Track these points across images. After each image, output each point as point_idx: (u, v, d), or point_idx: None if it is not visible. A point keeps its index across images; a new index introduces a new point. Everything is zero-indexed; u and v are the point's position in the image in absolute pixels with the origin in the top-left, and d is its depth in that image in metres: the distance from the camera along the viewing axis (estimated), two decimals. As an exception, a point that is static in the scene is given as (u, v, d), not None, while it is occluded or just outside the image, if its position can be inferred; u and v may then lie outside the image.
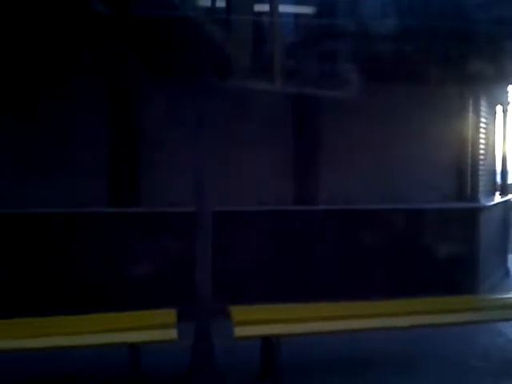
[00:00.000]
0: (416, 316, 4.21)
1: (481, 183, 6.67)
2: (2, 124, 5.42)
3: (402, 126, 6.01)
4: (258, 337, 3.95)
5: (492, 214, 6.90)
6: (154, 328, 3.75)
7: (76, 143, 5.42)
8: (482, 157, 6.76)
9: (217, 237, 3.90)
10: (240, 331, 3.78)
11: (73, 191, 5.31)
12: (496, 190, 8.01)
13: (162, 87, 5.53)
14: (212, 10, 3.79)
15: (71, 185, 5.30)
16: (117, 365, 3.89)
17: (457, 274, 5.89)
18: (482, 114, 6.73)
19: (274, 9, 3.97)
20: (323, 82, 5.30)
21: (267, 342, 3.96)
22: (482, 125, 6.72)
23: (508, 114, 7.82)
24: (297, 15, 4.52)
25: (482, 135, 6.73)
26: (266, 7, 4.01)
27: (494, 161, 7.79)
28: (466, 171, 6.45)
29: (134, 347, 3.69)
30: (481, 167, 6.68)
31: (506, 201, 7.76)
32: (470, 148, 6.44)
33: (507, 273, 7.61)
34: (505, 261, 7.73)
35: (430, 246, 5.77)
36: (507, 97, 7.82)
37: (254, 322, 3.92)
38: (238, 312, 3.96)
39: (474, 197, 6.45)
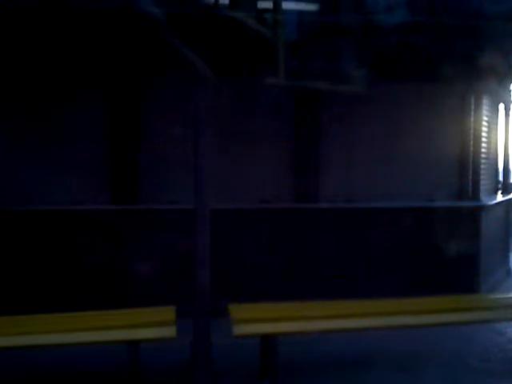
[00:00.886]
0: (417, 315, 4.19)
1: (482, 182, 6.64)
2: (2, 122, 5.41)
3: (404, 124, 5.99)
4: (257, 335, 3.93)
5: (494, 212, 6.88)
6: (152, 325, 3.73)
7: (76, 141, 5.42)
8: (483, 155, 6.74)
9: (217, 235, 3.88)
10: (239, 329, 3.76)
11: (72, 188, 5.31)
12: (498, 189, 7.98)
13: (161, 84, 5.53)
14: (215, 5, 3.76)
15: (71, 182, 5.29)
16: (115, 362, 3.88)
17: (458, 273, 5.87)
18: (484, 112, 6.70)
19: (277, 5, 3.95)
20: (325, 79, 5.28)
21: (266, 340, 3.94)
22: (484, 123, 6.69)
23: (510, 112, 7.79)
24: (300, 12, 4.50)
25: (483, 134, 6.71)
26: (269, 4, 3.99)
27: (496, 159, 7.75)
28: (467, 170, 6.42)
29: (132, 344, 3.68)
30: (483, 166, 6.66)
31: (507, 200, 7.73)
32: (471, 146, 6.41)
33: (509, 272, 7.59)
34: (506, 260, 7.70)
35: (431, 244, 5.75)
36: (509, 95, 7.79)
37: (254, 320, 3.90)
38: (237, 310, 3.94)
39: (476, 196, 6.42)
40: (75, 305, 4.04)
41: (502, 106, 7.69)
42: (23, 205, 5.26)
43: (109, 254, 5.25)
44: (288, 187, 5.76)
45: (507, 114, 7.76)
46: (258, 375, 4.02)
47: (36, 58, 5.15)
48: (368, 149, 5.90)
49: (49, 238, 5.26)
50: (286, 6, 3.94)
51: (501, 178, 8.12)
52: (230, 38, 4.22)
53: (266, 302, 4.18)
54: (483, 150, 6.70)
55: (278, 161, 5.77)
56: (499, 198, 7.54)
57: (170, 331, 3.66)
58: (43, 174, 5.32)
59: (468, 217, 6.16)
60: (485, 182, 6.86)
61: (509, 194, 7.96)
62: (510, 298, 5.28)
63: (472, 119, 6.40)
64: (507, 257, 7.74)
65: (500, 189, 8.04)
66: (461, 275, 5.86)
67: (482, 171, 6.63)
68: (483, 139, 6.68)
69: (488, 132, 7.00)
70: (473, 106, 6.39)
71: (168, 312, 3.84)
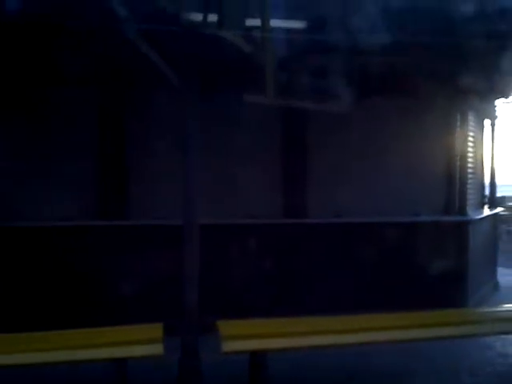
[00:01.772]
0: (405, 330, 4.19)
1: (469, 196, 6.71)
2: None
3: (391, 140, 6.04)
4: (245, 351, 3.91)
5: (481, 227, 6.93)
6: (140, 343, 3.70)
7: (63, 156, 5.40)
8: (470, 170, 6.81)
9: (205, 250, 3.87)
10: (227, 346, 3.74)
11: (60, 204, 5.27)
12: (484, 204, 8.06)
13: (149, 100, 5.54)
14: (203, 23, 3.80)
15: (58, 198, 5.26)
16: (103, 380, 3.83)
17: (446, 288, 5.88)
18: (470, 128, 6.79)
19: (265, 23, 4.00)
20: (313, 96, 5.33)
21: (255, 356, 3.92)
22: (470, 138, 6.78)
23: (496, 127, 7.91)
24: (288, 30, 4.56)
25: (470, 149, 6.79)
26: (257, 22, 4.04)
27: (483, 174, 7.84)
28: (454, 185, 6.48)
29: (120, 362, 3.64)
30: (469, 180, 6.73)
31: (494, 214, 7.81)
32: (458, 162, 6.48)
33: (496, 286, 7.63)
34: (494, 274, 7.75)
35: (418, 259, 5.77)
36: (495, 111, 7.91)
37: (242, 337, 3.88)
38: (225, 326, 3.91)
39: (463, 210, 6.48)
40: (62, 323, 3.99)
41: (487, 122, 7.81)
42: (9, 221, 5.20)
43: (96, 270, 5.20)
44: (276, 202, 5.77)
45: (493, 130, 7.87)
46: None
47: (25, 74, 5.14)
48: (355, 164, 5.94)
49: (36, 254, 5.20)
50: (273, 23, 3.99)
51: (487, 192, 8.20)
52: (218, 56, 4.25)
53: (255, 318, 4.16)
54: (469, 164, 6.78)
55: (266, 176, 5.79)
56: (486, 212, 7.61)
57: (157, 348, 3.62)
58: (31, 190, 5.28)
59: (455, 231, 6.20)
60: (471, 197, 6.93)
61: (495, 208, 8.04)
62: (498, 311, 5.30)
63: (458, 135, 6.48)
64: (494, 271, 7.79)
65: (486, 203, 8.12)
66: (448, 289, 5.87)
67: (469, 186, 6.70)
68: (469, 154, 6.77)
69: (474, 147, 7.09)
70: (458, 122, 6.48)
71: (155, 329, 3.81)
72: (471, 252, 6.25)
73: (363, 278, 5.66)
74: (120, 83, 5.44)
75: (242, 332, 3.93)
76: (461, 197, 6.49)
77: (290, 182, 5.84)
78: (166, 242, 4.74)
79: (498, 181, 8.25)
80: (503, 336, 5.11)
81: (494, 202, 8.22)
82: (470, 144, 6.83)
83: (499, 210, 8.22)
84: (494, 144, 7.90)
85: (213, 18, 3.73)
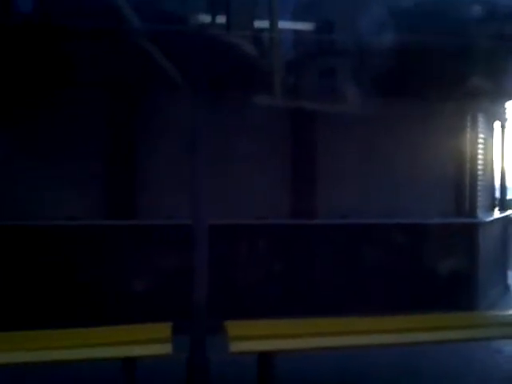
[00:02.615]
0: (414, 333, 4.16)
1: (479, 199, 6.67)
2: None
3: (401, 142, 6.03)
4: (253, 352, 3.91)
5: (491, 229, 6.88)
6: (149, 342, 3.71)
7: (73, 156, 5.44)
8: (480, 172, 6.77)
9: (214, 250, 3.89)
10: (235, 346, 3.74)
11: (69, 204, 5.32)
12: (495, 206, 8.00)
13: (158, 101, 5.58)
14: (211, 24, 3.82)
15: (68, 198, 5.30)
16: (111, 379, 3.85)
17: (456, 291, 5.86)
18: (480, 130, 6.75)
19: (273, 25, 4.01)
20: (322, 97, 5.33)
21: (263, 357, 3.92)
22: (480, 140, 6.74)
23: (506, 129, 7.85)
24: (296, 31, 4.57)
25: (480, 151, 6.75)
26: (265, 23, 4.06)
27: (493, 176, 7.79)
28: (464, 187, 6.45)
29: (128, 361, 3.66)
30: (479, 183, 6.69)
31: (504, 216, 7.75)
32: (468, 164, 6.45)
33: (507, 289, 7.57)
34: (504, 277, 7.68)
35: (428, 261, 5.75)
36: (505, 113, 7.85)
37: (250, 338, 3.88)
38: (233, 327, 3.92)
39: (473, 212, 6.44)
40: (71, 321, 4.03)
41: (497, 124, 7.76)
42: (19, 220, 5.25)
43: (105, 270, 5.24)
44: (285, 203, 5.78)
45: (503, 132, 7.82)
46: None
47: (34, 75, 5.20)
48: (364, 166, 5.93)
49: (45, 253, 5.24)
50: (281, 25, 4.00)
51: (497, 194, 8.14)
52: (226, 57, 4.27)
53: (263, 319, 4.16)
54: (480, 166, 6.74)
55: (274, 177, 5.80)
56: (496, 214, 7.55)
57: (165, 348, 3.63)
58: (40, 190, 5.33)
59: (465, 233, 6.16)
60: (482, 199, 6.88)
61: (506, 210, 7.98)
62: (508, 315, 5.26)
63: (468, 137, 6.46)
64: (505, 273, 7.73)
65: (497, 205, 8.06)
66: (458, 292, 5.84)
67: (479, 188, 6.66)
68: (479, 156, 6.72)
69: (484, 149, 7.05)
70: (469, 124, 6.45)
71: (164, 328, 3.82)
72: (481, 255, 6.21)
73: (372, 280, 5.65)
74: (129, 85, 5.49)
75: (250, 333, 3.93)
76: (471, 199, 6.46)
77: (299, 182, 5.84)
78: (174, 242, 4.77)
79: (508, 183, 8.19)
80: (513, 340, 5.06)
81: (504, 204, 8.15)
82: (480, 146, 6.79)
83: (509, 212, 8.15)
84: (504, 146, 7.85)
85: (221, 19, 3.75)
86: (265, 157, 5.71)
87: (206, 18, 3.72)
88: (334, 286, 5.57)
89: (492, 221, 6.97)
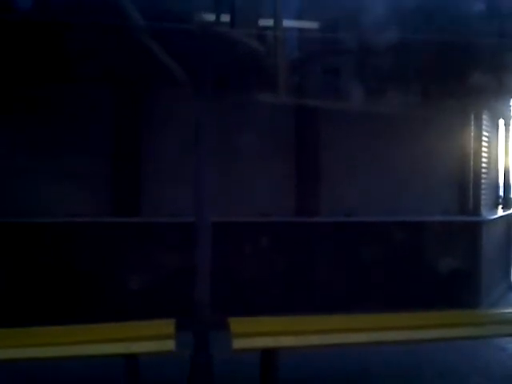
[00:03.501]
0: (417, 330, 4.16)
1: (483, 197, 6.66)
2: (5, 133, 5.46)
3: (405, 140, 6.03)
4: (256, 349, 3.92)
5: (494, 227, 6.88)
6: (152, 338, 3.73)
7: (78, 154, 5.46)
8: (484, 170, 6.76)
9: (217, 248, 3.90)
10: (238, 343, 3.75)
11: (75, 201, 5.34)
12: (498, 204, 7.99)
13: (164, 99, 5.59)
14: (216, 22, 3.83)
15: (73, 195, 5.32)
16: (114, 376, 3.87)
17: (459, 288, 5.85)
18: (484, 127, 6.74)
19: (278, 23, 4.01)
20: (325, 95, 5.33)
21: (267, 354, 3.93)
22: (484, 139, 6.72)
23: (510, 127, 7.83)
24: (300, 30, 4.58)
25: (484, 149, 6.74)
26: (270, 22, 4.06)
27: (497, 174, 7.78)
28: (468, 185, 6.44)
29: (131, 358, 3.68)
30: (483, 181, 6.68)
31: (508, 215, 7.74)
32: (472, 162, 6.44)
33: (510, 287, 7.56)
34: (507, 275, 7.68)
35: (431, 259, 5.74)
36: (509, 111, 7.84)
37: (253, 334, 3.89)
38: (236, 324, 3.93)
39: (477, 210, 6.43)
40: (74, 317, 4.04)
41: (501, 122, 7.74)
42: (25, 217, 5.28)
43: (109, 266, 5.26)
44: (288, 201, 5.79)
45: (507, 129, 7.80)
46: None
47: (40, 72, 5.22)
48: (368, 164, 5.93)
49: (49, 250, 5.27)
50: (286, 23, 4.01)
51: (501, 192, 8.13)
52: (230, 55, 4.28)
53: (266, 316, 4.17)
54: (483, 164, 6.73)
55: (278, 174, 5.81)
56: (500, 212, 7.54)
57: (169, 344, 3.65)
58: (45, 186, 5.36)
59: (469, 231, 6.16)
60: (485, 197, 6.87)
61: (509, 208, 7.96)
62: (510, 313, 5.25)
63: (472, 134, 6.44)
64: (508, 271, 7.73)
65: (501, 203, 8.05)
66: (461, 290, 5.84)
67: (483, 186, 6.65)
68: (483, 154, 6.71)
69: (488, 147, 7.03)
70: (473, 122, 6.44)
71: (168, 325, 3.83)
72: (485, 253, 6.21)
73: (375, 278, 5.65)
74: (134, 82, 5.50)
75: (253, 329, 3.93)
76: (475, 197, 6.45)
77: (303, 180, 5.85)
78: (179, 239, 4.78)
79: (512, 181, 8.17)
80: (516, 338, 5.06)
81: (507, 202, 8.14)
82: (484, 144, 6.78)
83: (513, 210, 8.14)
84: (509, 144, 7.83)
85: (225, 18, 3.76)
86: (269, 154, 5.71)
87: (210, 16, 3.72)
88: (338, 283, 5.58)
89: (496, 219, 6.96)
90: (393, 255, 5.69)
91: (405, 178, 6.03)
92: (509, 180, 8.05)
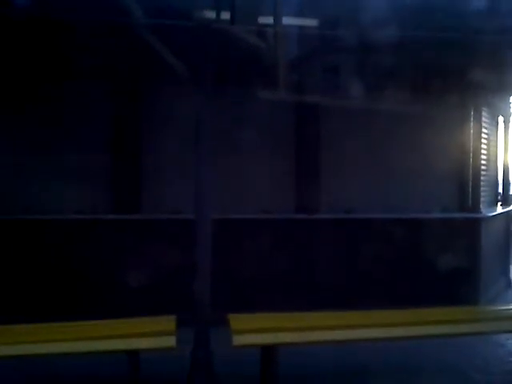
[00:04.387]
0: (416, 327, 4.18)
1: (482, 194, 6.67)
2: (4, 130, 5.46)
3: (404, 136, 6.03)
4: (256, 345, 3.93)
5: (494, 224, 6.89)
6: (152, 335, 3.74)
7: (78, 150, 5.46)
8: (483, 167, 6.77)
9: (217, 245, 3.91)
10: (238, 340, 3.76)
11: (74, 198, 5.34)
12: (498, 201, 8.00)
13: (164, 95, 5.59)
14: (216, 19, 3.82)
15: (73, 192, 5.33)
16: (115, 372, 3.88)
17: (458, 285, 5.86)
18: (484, 124, 6.75)
19: (278, 20, 4.02)
20: (325, 92, 5.33)
21: (266, 350, 3.95)
22: (483, 135, 6.73)
23: (510, 124, 7.84)
24: (300, 27, 4.58)
25: (483, 146, 6.75)
26: (270, 19, 4.07)
27: (496, 171, 7.79)
28: (467, 182, 6.45)
29: (132, 354, 3.69)
30: (482, 178, 6.69)
31: (507, 211, 7.75)
32: (471, 159, 6.45)
33: (509, 284, 7.58)
34: (506, 272, 7.70)
35: (431, 256, 5.75)
36: (509, 108, 7.84)
37: (253, 331, 3.90)
38: (236, 320, 3.94)
39: (476, 207, 6.45)
40: (75, 314, 4.05)
41: (501, 119, 7.74)
42: (24, 214, 5.29)
43: (110, 264, 5.27)
44: (289, 198, 5.80)
45: (506, 127, 7.81)
46: (258, 385, 4.02)
47: (40, 69, 5.21)
48: (368, 161, 5.94)
49: (50, 247, 5.28)
50: (286, 21, 4.01)
51: (500, 189, 8.14)
52: (231, 52, 4.28)
53: (266, 313, 4.18)
54: (483, 162, 6.74)
55: (278, 171, 5.82)
56: (499, 209, 7.55)
57: (169, 341, 3.66)
58: (44, 183, 5.36)
59: (468, 228, 6.17)
60: (484, 194, 6.89)
61: (508, 205, 7.98)
62: (510, 309, 5.27)
63: (471, 132, 6.45)
64: (507, 268, 7.74)
65: (500, 200, 8.07)
66: (460, 287, 5.85)
67: (482, 183, 6.66)
68: (483, 151, 6.72)
69: (487, 144, 7.04)
70: (472, 119, 6.45)
71: (168, 321, 3.85)
72: (484, 249, 6.22)
73: (374, 275, 5.67)
74: (135, 78, 5.50)
75: (253, 326, 3.95)
76: (474, 194, 6.47)
77: (303, 177, 5.86)
78: (179, 236, 4.79)
79: (511, 178, 8.18)
80: (515, 334, 5.08)
81: (506, 199, 8.15)
82: (484, 141, 6.79)
83: (512, 207, 8.15)
84: (508, 141, 7.84)
85: (225, 15, 3.75)
86: (269, 151, 5.72)
87: (210, 13, 3.72)
88: (338, 280, 5.59)
89: (495, 216, 6.97)
90: (392, 252, 5.70)
91: (404, 174, 6.03)
92: (508, 177, 8.07)
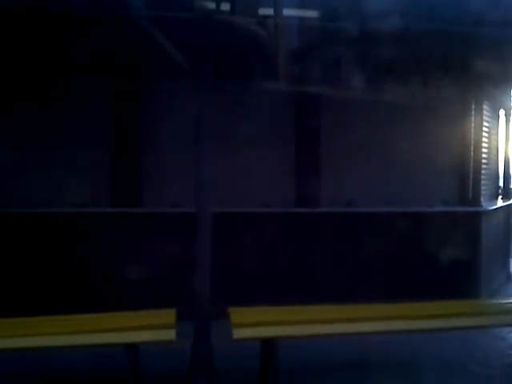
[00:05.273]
0: (417, 320, 4.18)
1: (483, 187, 6.66)
2: (4, 123, 5.44)
3: (405, 129, 6.01)
4: (256, 339, 3.93)
5: (494, 218, 6.88)
6: (153, 328, 3.74)
7: (78, 144, 5.43)
8: (484, 161, 6.75)
9: (217, 238, 3.89)
10: (238, 333, 3.76)
11: (74, 191, 5.33)
12: (498, 195, 7.99)
13: (164, 88, 5.56)
14: (216, 10, 3.79)
15: (73, 185, 5.31)
16: (115, 365, 3.88)
17: (458, 279, 5.87)
18: (485, 118, 6.72)
19: (278, 12, 3.99)
20: (326, 84, 5.30)
21: (266, 344, 3.94)
22: (484, 129, 6.71)
23: (511, 118, 7.81)
24: (301, 18, 4.55)
25: (484, 139, 6.72)
26: (270, 11, 4.03)
27: (497, 165, 7.77)
28: (468, 175, 6.44)
29: (132, 347, 3.69)
30: (483, 171, 6.67)
31: (508, 205, 7.74)
32: (472, 152, 6.43)
33: (509, 277, 7.59)
34: (507, 265, 7.70)
35: (431, 249, 5.75)
36: (510, 101, 7.81)
37: (253, 324, 3.90)
38: (236, 314, 3.94)
39: (476, 201, 6.44)
40: (76, 307, 4.05)
41: (502, 112, 7.72)
42: (25, 207, 5.28)
43: (110, 257, 5.26)
44: (289, 191, 5.78)
45: (508, 120, 7.78)
46: (258, 379, 4.02)
47: (39, 62, 5.18)
48: (368, 154, 5.92)
49: (50, 240, 5.28)
50: (286, 12, 3.98)
51: (501, 183, 8.13)
52: (231, 43, 4.25)
53: (266, 306, 4.18)
54: (484, 155, 6.72)
55: (278, 165, 5.80)
56: (500, 203, 7.54)
57: (169, 334, 3.65)
58: (45, 177, 5.35)
59: (468, 222, 6.17)
60: (485, 188, 6.87)
61: (509, 199, 7.97)
62: (510, 303, 5.27)
63: (472, 125, 6.43)
64: (508, 262, 7.75)
65: (500, 194, 8.05)
66: (461, 280, 5.86)
67: (483, 176, 6.64)
68: (484, 145, 6.70)
69: (488, 137, 7.02)
70: (473, 112, 6.42)
71: (168, 315, 3.84)
72: (484, 243, 6.22)
73: (375, 268, 5.66)
74: (134, 71, 5.47)
75: (253, 319, 3.95)
76: (474, 188, 6.45)
77: (303, 170, 5.84)
78: (179, 229, 4.78)
79: (512, 172, 8.17)
80: (516, 327, 5.08)
81: (507, 193, 8.14)
82: (485, 134, 6.76)
83: (513, 201, 8.14)
84: (509, 135, 7.82)
85: (225, 6, 3.73)
86: (269, 145, 5.70)
87: (210, 5, 3.69)
88: (338, 273, 5.59)
89: (495, 209, 6.96)
90: (393, 246, 5.69)
91: (405, 168, 6.02)
92: (509, 171, 8.05)
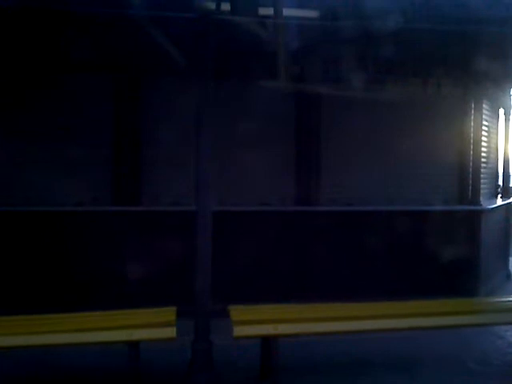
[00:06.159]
0: (416, 318, 4.20)
1: (482, 186, 6.67)
2: (5, 122, 5.45)
3: (405, 128, 6.02)
4: (256, 337, 3.95)
5: (493, 216, 6.90)
6: (153, 326, 3.75)
7: (78, 142, 5.45)
8: (483, 160, 6.76)
9: (218, 236, 3.91)
10: (239, 331, 3.78)
11: (75, 190, 5.34)
12: (498, 193, 8.00)
13: (164, 86, 5.57)
14: (216, 10, 3.80)
15: (72, 183, 5.32)
16: (115, 362, 3.90)
17: (458, 277, 5.88)
18: (485, 117, 6.73)
19: (278, 11, 4.00)
20: (326, 83, 5.31)
21: (267, 341, 3.96)
22: (484, 128, 6.72)
23: (510, 117, 7.82)
24: (301, 18, 4.56)
25: (484, 138, 6.74)
26: (270, 10, 4.05)
27: (496, 164, 7.78)
28: (467, 174, 6.45)
29: (133, 345, 3.70)
30: (482, 170, 6.68)
31: (507, 204, 7.75)
32: (471, 151, 6.44)
33: (508, 276, 7.60)
34: (506, 264, 7.72)
35: (431, 248, 5.76)
36: (510, 100, 7.82)
37: (253, 322, 3.91)
38: (236, 312, 3.96)
39: (476, 200, 6.45)
40: (76, 306, 4.07)
41: (501, 111, 7.73)
42: (25, 206, 5.29)
43: (110, 255, 5.28)
44: (289, 190, 5.79)
45: (507, 119, 7.79)
46: (258, 376, 4.04)
47: (38, 60, 5.19)
48: (368, 153, 5.93)
49: (50, 238, 5.29)
50: (286, 12, 3.99)
51: (500, 182, 8.14)
52: (231, 42, 4.26)
53: (266, 304, 4.20)
54: (483, 154, 6.73)
55: (278, 163, 5.80)
56: (499, 202, 7.56)
57: (170, 332, 3.67)
58: (45, 175, 5.35)
59: (468, 221, 6.18)
60: (485, 186, 6.89)
61: (508, 198, 7.98)
62: (509, 301, 5.28)
63: (472, 124, 6.44)
64: (507, 260, 7.76)
65: (500, 193, 8.07)
66: (461, 279, 5.87)
67: (482, 175, 6.65)
68: (483, 143, 6.71)
69: (488, 136, 7.03)
70: (473, 111, 6.43)
71: (169, 313, 3.86)
72: (483, 242, 6.23)
73: (375, 267, 5.68)
74: (134, 70, 5.48)
75: (253, 317, 3.96)
76: (474, 186, 6.46)
77: (303, 169, 5.85)
78: (179, 228, 4.79)
79: (511, 171, 8.18)
80: (514, 326, 5.10)
81: (506, 191, 8.15)
82: (484, 133, 6.78)
83: (512, 200, 8.15)
84: (508, 134, 7.83)
85: (226, 6, 3.73)
86: (269, 143, 5.70)
87: (210, 4, 3.70)
88: (338, 272, 5.60)
89: (495, 208, 6.97)
90: (392, 244, 5.71)
91: (404, 166, 6.03)
92: (508, 169, 8.06)
